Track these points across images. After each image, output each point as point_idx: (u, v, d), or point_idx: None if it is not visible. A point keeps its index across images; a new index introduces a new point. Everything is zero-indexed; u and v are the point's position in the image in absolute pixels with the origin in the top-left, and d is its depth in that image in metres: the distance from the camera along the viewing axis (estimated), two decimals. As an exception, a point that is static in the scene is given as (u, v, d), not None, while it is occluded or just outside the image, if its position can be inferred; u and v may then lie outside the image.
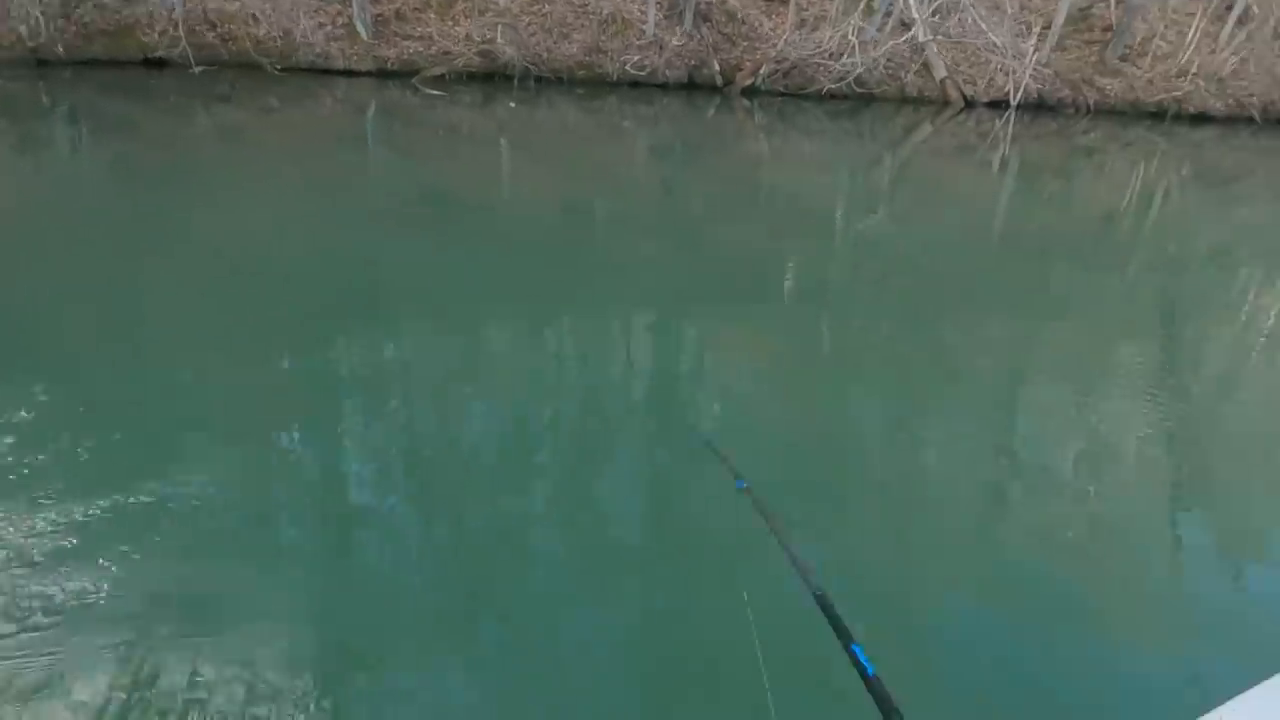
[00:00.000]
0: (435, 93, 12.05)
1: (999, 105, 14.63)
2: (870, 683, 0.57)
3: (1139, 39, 15.67)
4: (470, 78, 12.93)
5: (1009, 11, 15.21)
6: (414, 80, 12.56)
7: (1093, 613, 2.68)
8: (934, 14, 14.43)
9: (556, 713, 2.16)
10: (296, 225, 6.15)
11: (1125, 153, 12.81)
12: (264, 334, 4.19)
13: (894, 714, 0.58)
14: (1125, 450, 3.95)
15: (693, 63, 13.96)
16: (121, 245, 5.40)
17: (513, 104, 11.82)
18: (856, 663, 0.61)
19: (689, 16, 13.93)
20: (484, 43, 13.03)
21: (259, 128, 9.62)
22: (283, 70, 12.10)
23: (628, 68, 13.53)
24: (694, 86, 13.93)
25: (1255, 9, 15.71)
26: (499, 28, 13.11)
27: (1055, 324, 5.55)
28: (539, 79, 13.27)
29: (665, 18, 14.06)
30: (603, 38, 13.72)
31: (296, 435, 3.37)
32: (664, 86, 13.78)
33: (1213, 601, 2.87)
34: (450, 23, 13.32)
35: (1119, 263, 7.31)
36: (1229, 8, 15.67)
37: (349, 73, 12.49)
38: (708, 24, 14.24)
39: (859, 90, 14.09)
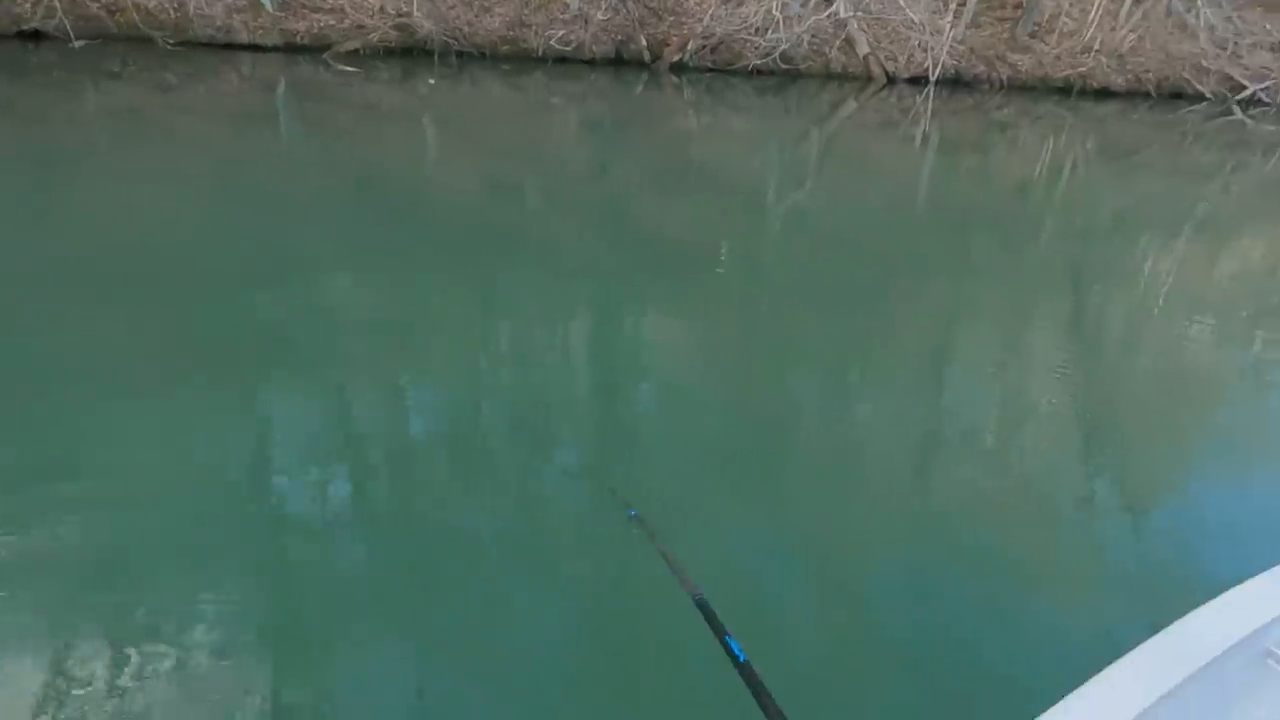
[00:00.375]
0: (350, 69, 11.48)
1: (919, 81, 15.00)
2: (741, 668, 0.62)
3: (1047, 16, 16.30)
4: (388, 53, 12.38)
5: (926, -12, 15.56)
6: (326, 56, 11.92)
7: (1009, 569, 2.78)
8: (855, -10, 14.62)
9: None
10: (205, 214, 5.75)
11: (1036, 127, 13.35)
12: (168, 334, 3.89)
13: (765, 695, 0.60)
14: (1040, 411, 4.14)
15: (619, 38, 13.74)
16: None
17: (433, 80, 11.38)
18: (729, 652, 0.67)
19: (613, -10, 13.70)
20: (400, 16, 12.47)
21: (157, 107, 8.94)
22: (177, 45, 11.27)
23: (553, 43, 13.21)
24: (622, 62, 13.74)
25: (1150, -12, 16.56)
26: (416, 1, 12.56)
27: (975, 293, 5.75)
28: (460, 54, 12.81)
29: (589, -9, 13.78)
30: (526, 11, 13.34)
31: (221, 438, 3.15)
32: (591, 62, 13.53)
33: (1118, 553, 3.03)
34: (364, -6, 12.68)
35: (1033, 233, 7.63)
36: (1127, -13, 16.47)
37: (254, 48, 11.75)
38: (633, -2, 14.04)
39: (785, 67, 14.19)
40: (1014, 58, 15.94)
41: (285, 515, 2.77)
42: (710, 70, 13.94)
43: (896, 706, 2.17)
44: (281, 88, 10.51)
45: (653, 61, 13.84)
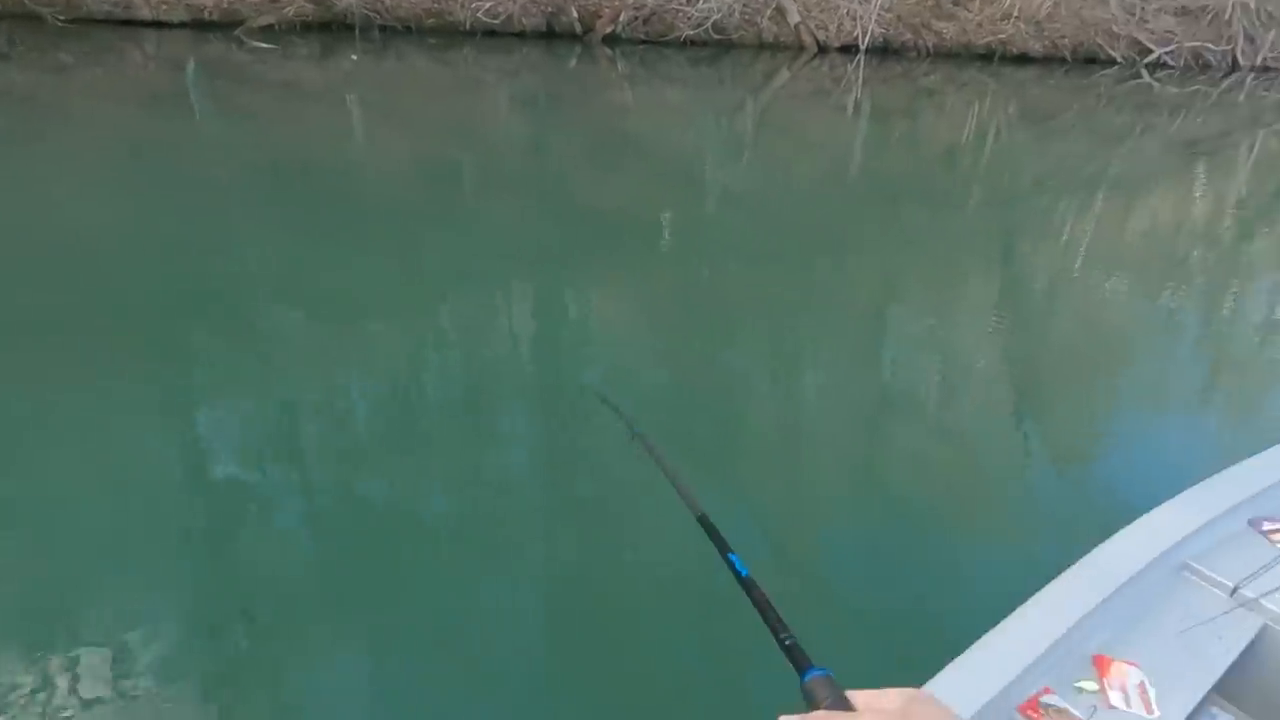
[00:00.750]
0: (265, 45, 10.91)
1: (849, 50, 15.18)
2: (744, 583, 0.67)
3: (968, -16, 16.68)
4: (305, 28, 11.81)
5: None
6: (238, 32, 11.29)
7: (946, 515, 2.92)
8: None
9: (469, 664, 2.09)
10: (115, 204, 5.40)
11: (961, 93, 13.71)
12: (81, 332, 3.67)
13: (770, 610, 0.65)
14: (973, 369, 4.33)
15: (550, 10, 13.45)
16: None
17: (355, 56, 10.93)
18: (732, 568, 0.71)
19: (540, -40, 13.35)
20: (317, -12, 11.90)
21: (52, 90, 8.32)
22: (69, 22, 10.48)
23: (480, 15, 12.83)
24: (553, 35, 13.46)
25: (1063, -45, 17.09)
26: (332, -28, 11.99)
27: (910, 256, 5.92)
28: (384, 29, 12.32)
29: (516, -39, 13.40)
30: (450, -17, 12.91)
31: (158, 435, 2.99)
32: (521, 35, 13.21)
33: (1046, 497, 3.22)
34: (275, -34, 12.02)
35: (963, 196, 7.88)
36: (1041, -46, 16.95)
37: (158, 24, 11.03)
38: (561, -32, 13.72)
39: (718, 37, 14.16)
40: (939, 25, 16.29)
41: (219, 503, 2.66)
42: (643, 42, 13.79)
43: (856, 620, 2.27)
44: (191, 67, 9.91)
45: (585, 34, 13.60)
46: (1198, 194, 8.78)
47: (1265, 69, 18.23)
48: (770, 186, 7.54)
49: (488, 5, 12.91)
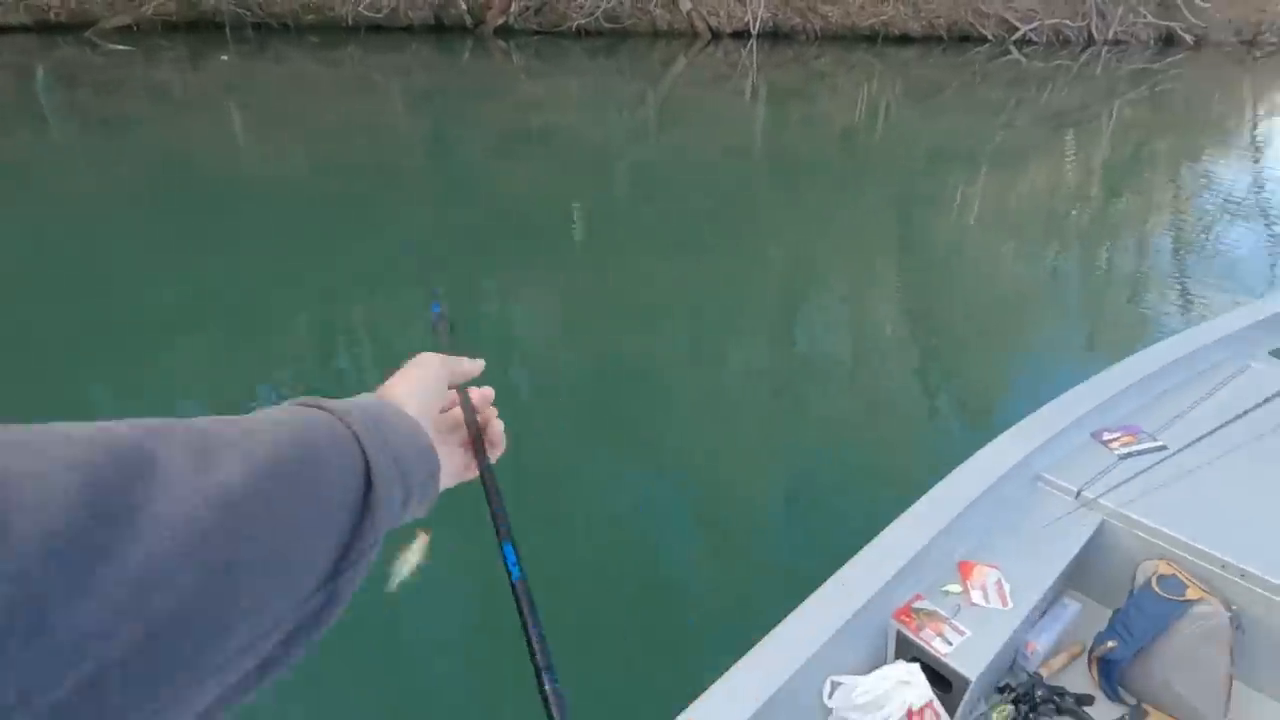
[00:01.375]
0: (123, 48, 10.04)
1: (742, 35, 15.45)
2: (514, 586, 0.50)
3: (848, -32, 17.27)
4: (169, 28, 10.95)
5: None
6: (90, 34, 10.34)
7: (865, 476, 3.05)
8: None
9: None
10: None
11: (851, 74, 14.22)
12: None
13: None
14: (876, 326, 4.57)
15: (438, 3, 13.01)
16: None
17: (225, 57, 10.21)
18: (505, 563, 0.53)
19: (423, -49, 12.88)
20: (179, -15, 11.04)
21: (-128, 106, 7.38)
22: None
23: (363, 10, 12.26)
24: (443, 29, 13.03)
25: (932, -61, 17.95)
26: (195, -33, 11.16)
27: (817, 229, 6.12)
28: (259, 27, 11.59)
29: (397, -48, 12.88)
30: (338, -23, 12.27)
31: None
32: (410, 30, 12.73)
33: (924, 425, 3.52)
34: (128, -39, 11.07)
35: (860, 171, 8.18)
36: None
37: (-4, 28, 9.96)
38: (445, -41, 13.29)
39: (612, 26, 14.09)
40: (824, 9, 16.81)
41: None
42: (537, 33, 13.56)
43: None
44: (40, 75, 9.01)
45: (476, 26, 13.24)
46: (1068, 161, 9.45)
47: (1117, 42, 19.81)
48: (678, 171, 7.57)
49: (368, 0, 12.36)
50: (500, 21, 13.32)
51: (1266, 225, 7.29)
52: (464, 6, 13.09)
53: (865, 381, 3.98)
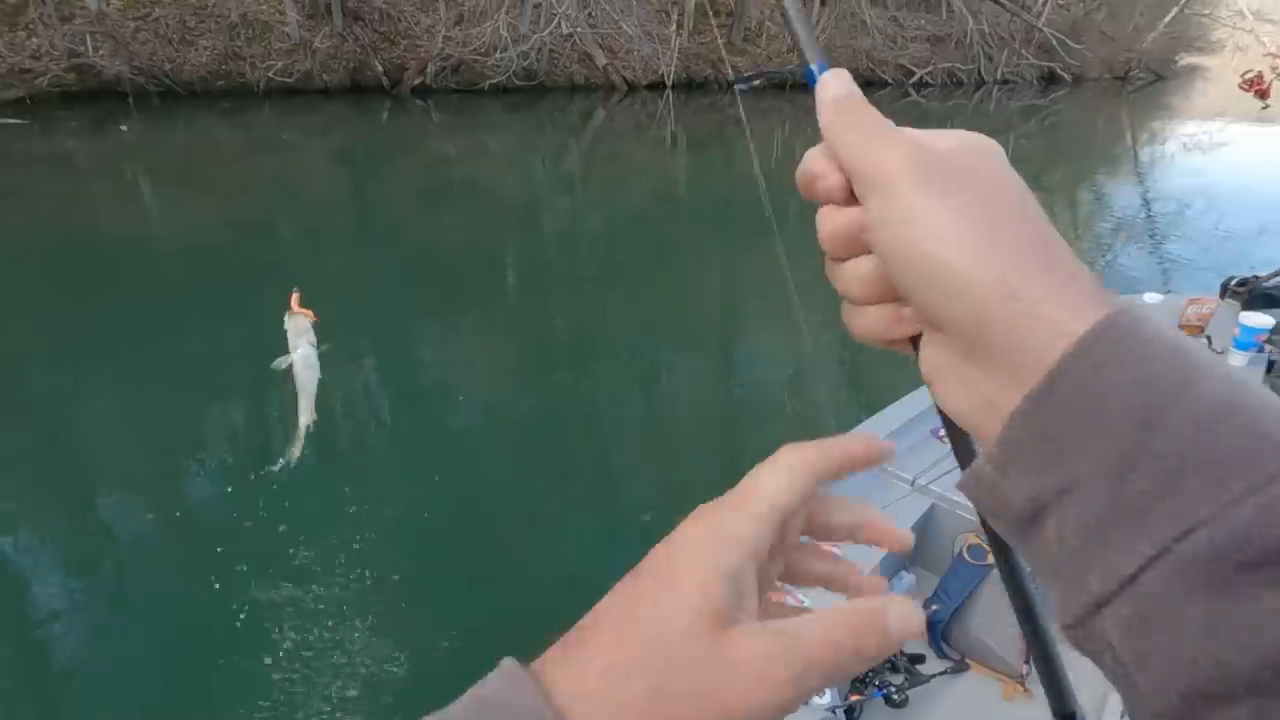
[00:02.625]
0: (16, 122, 9.59)
1: (657, 87, 15.95)
2: None
3: (754, 22, 18.19)
4: (68, 98, 10.55)
5: (651, 2, 16.61)
6: (-20, 108, 9.87)
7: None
8: (582, 8, 15.09)
9: None
10: None
11: (764, 119, 14.80)
12: None
13: None
14: (798, 354, 4.65)
15: (352, 65, 12.99)
16: None
17: (124, 126, 9.87)
18: None
19: (337, 16, 12.90)
20: (76, 57, 10.69)
21: None
22: None
23: (273, 75, 12.13)
24: (360, 90, 12.99)
25: (829, -6, 19.12)
26: (93, 38, 10.84)
27: (743, 266, 6.23)
28: (164, 94, 11.30)
29: (309, 18, 12.85)
30: (237, 43, 12.10)
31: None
32: (326, 92, 12.63)
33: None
34: (24, 33, 10.68)
35: (779, 210, 8.42)
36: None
37: None
38: (360, 23, 13.33)
39: (529, 83, 14.33)
40: (733, 59, 17.57)
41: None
42: (456, 91, 13.66)
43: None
44: (-78, 151, 8.49)
45: (394, 87, 13.26)
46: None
47: (1005, 81, 21.37)
48: (605, 217, 7.64)
49: (281, 64, 12.25)
50: (418, 81, 13.38)
51: (1151, 237, 7.87)
52: (380, 68, 13.11)
53: (776, 396, 4.17)
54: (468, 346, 4.50)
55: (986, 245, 0.26)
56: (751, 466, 0.31)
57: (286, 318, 1.34)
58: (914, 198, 0.28)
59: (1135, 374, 0.22)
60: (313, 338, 1.38)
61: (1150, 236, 7.83)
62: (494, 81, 13.75)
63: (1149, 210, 9.03)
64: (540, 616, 2.38)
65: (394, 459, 3.38)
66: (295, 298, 1.35)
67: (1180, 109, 21.27)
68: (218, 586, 2.47)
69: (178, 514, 2.91)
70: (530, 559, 2.65)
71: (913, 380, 2.72)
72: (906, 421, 2.12)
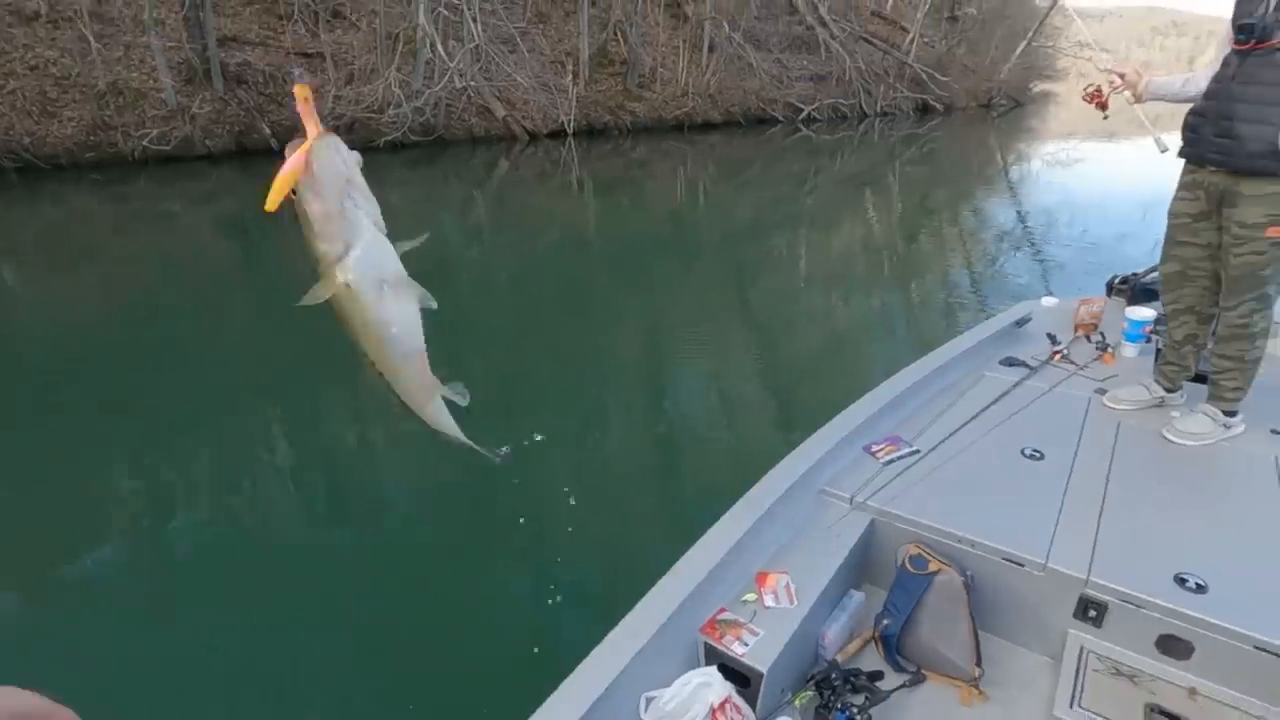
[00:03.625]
0: None
1: (558, 135, 16.08)
2: None
3: (648, 69, 18.71)
4: (-92, 181, 9.58)
5: (546, 54, 16.82)
6: None
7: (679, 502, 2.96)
8: (474, 61, 15.08)
9: None
10: None
11: (666, 160, 15.14)
12: None
13: None
14: (725, 363, 4.64)
15: (237, 128, 12.45)
16: None
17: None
18: None
19: (217, 80, 12.38)
20: (-83, 133, 9.76)
21: None
22: None
23: (149, 143, 11.44)
24: (247, 153, 12.43)
25: (713, 38, 19.97)
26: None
27: (661, 299, 6.21)
28: (24, 169, 10.44)
29: (186, 83, 12.27)
30: (106, 113, 11.38)
31: None
32: (209, 158, 12.02)
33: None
34: None
35: (692, 244, 8.54)
36: (699, 40, 19.68)
37: None
38: (243, 86, 12.83)
39: (429, 137, 14.14)
40: (631, 105, 17.99)
41: None
42: (352, 149, 13.28)
43: None
44: None
45: (283, 148, 12.72)
46: (870, 215, 10.46)
47: (885, 113, 22.81)
48: (518, 264, 7.50)
49: (157, 131, 11.58)
50: (310, 142, 12.94)
51: (1031, 246, 8.44)
52: (268, 130, 12.60)
53: (706, 430, 4.20)
54: (383, 409, 4.22)
55: None
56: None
57: (291, 156, 0.70)
58: None
59: None
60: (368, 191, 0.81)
61: (1030, 246, 8.38)
62: (390, 138, 13.47)
63: (1024, 223, 9.69)
64: (481, 678, 2.15)
65: (300, 533, 3.07)
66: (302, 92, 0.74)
67: (1039, 130, 23.26)
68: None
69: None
70: (461, 626, 2.44)
71: (841, 400, 2.73)
72: (839, 441, 2.13)
